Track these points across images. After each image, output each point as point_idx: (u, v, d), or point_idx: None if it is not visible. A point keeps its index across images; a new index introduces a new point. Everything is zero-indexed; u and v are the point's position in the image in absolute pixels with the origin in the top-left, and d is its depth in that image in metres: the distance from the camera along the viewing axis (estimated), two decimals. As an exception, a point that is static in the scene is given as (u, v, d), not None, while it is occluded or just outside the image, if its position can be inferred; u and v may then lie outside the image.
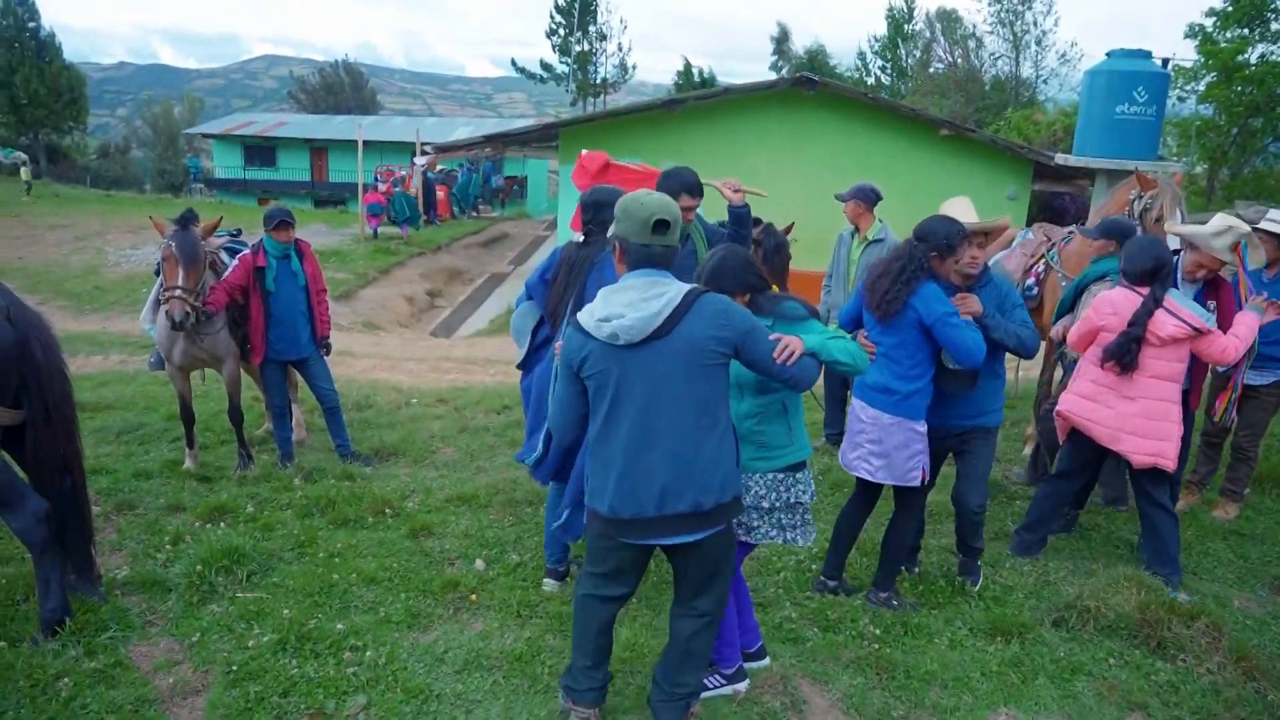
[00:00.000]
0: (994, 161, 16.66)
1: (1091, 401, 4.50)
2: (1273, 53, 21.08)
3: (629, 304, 2.89)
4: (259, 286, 5.89)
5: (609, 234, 3.10)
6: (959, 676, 3.66)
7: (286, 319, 5.97)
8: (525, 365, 4.46)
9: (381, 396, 8.26)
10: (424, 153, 22.35)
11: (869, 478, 4.14)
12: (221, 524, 5.06)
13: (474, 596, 4.26)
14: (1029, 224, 15.83)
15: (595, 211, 4.16)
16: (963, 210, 4.18)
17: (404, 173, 24.90)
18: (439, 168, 26.14)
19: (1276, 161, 22.57)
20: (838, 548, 4.43)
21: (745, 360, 3.01)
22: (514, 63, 52.22)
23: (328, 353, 6.34)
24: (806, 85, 16.14)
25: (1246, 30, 21.21)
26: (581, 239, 4.26)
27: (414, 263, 18.98)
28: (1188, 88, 21.54)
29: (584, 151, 5.28)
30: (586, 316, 2.94)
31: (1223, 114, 21.24)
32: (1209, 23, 21.59)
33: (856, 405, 4.14)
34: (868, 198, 6.39)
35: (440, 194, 25.65)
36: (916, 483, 4.08)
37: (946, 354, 3.98)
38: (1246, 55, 20.95)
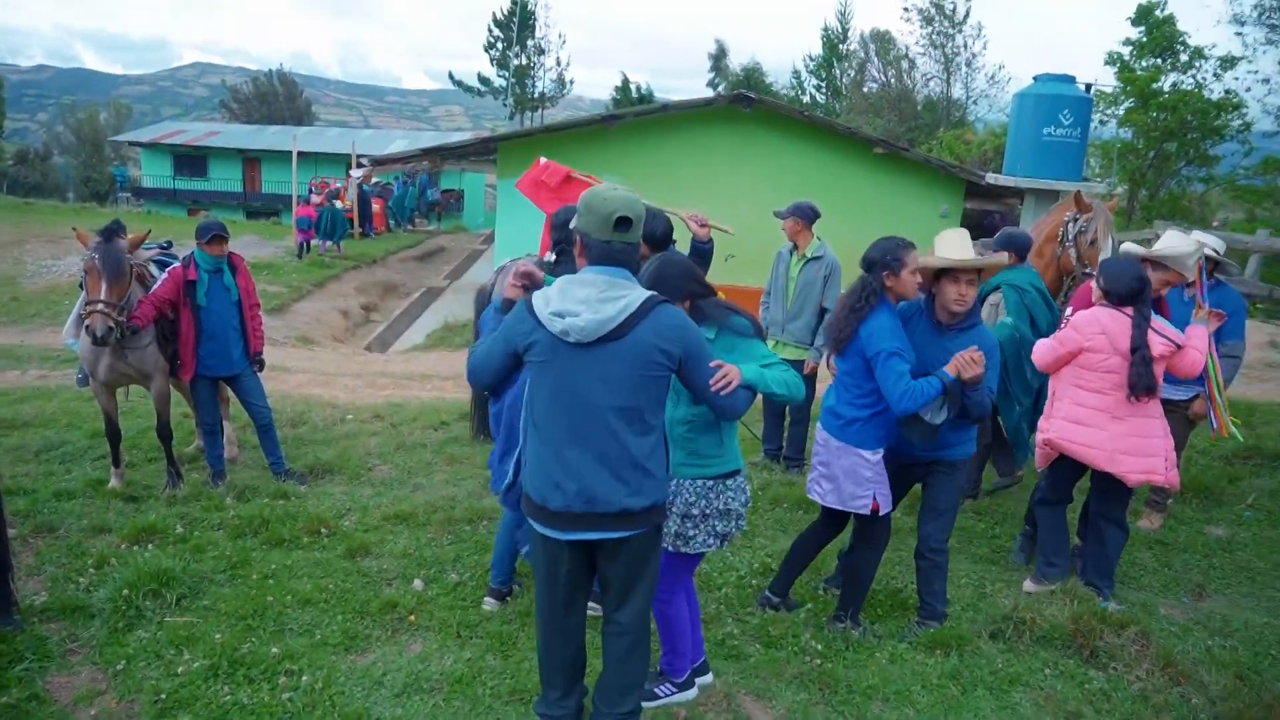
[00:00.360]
0: (927, 180, 17.03)
1: (1082, 426, 4.41)
2: (1183, 82, 22.06)
3: (584, 301, 2.85)
4: (190, 301, 5.73)
5: (570, 226, 3.06)
6: (900, 690, 3.69)
7: (219, 334, 5.82)
8: (495, 391, 4.33)
9: (316, 413, 8.10)
10: (360, 165, 22.08)
11: (819, 500, 4.11)
12: (149, 545, 4.88)
13: (413, 617, 4.18)
14: (960, 242, 16.27)
15: (567, 231, 4.12)
16: (955, 245, 3.99)
17: (339, 185, 24.51)
18: (375, 180, 25.82)
19: (1189, 184, 23.54)
20: (790, 566, 4.41)
21: (682, 378, 3.01)
22: (451, 76, 52.04)
23: (261, 368, 6.20)
24: (745, 103, 16.32)
25: (1159, 60, 22.17)
26: (553, 259, 4.24)
27: (349, 276, 18.69)
28: (1108, 112, 22.38)
29: (542, 158, 5.24)
30: (541, 304, 2.90)
31: (1140, 138, 22.10)
32: (1126, 51, 22.51)
33: (818, 427, 4.14)
34: (806, 215, 6.44)
35: (376, 207, 25.32)
36: (864, 511, 3.97)
37: None
38: (1160, 83, 21.90)
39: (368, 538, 5.07)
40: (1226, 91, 21.82)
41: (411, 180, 29.36)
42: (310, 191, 24.05)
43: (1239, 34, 23.20)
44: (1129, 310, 4.29)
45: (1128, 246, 5.24)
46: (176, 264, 5.88)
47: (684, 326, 2.96)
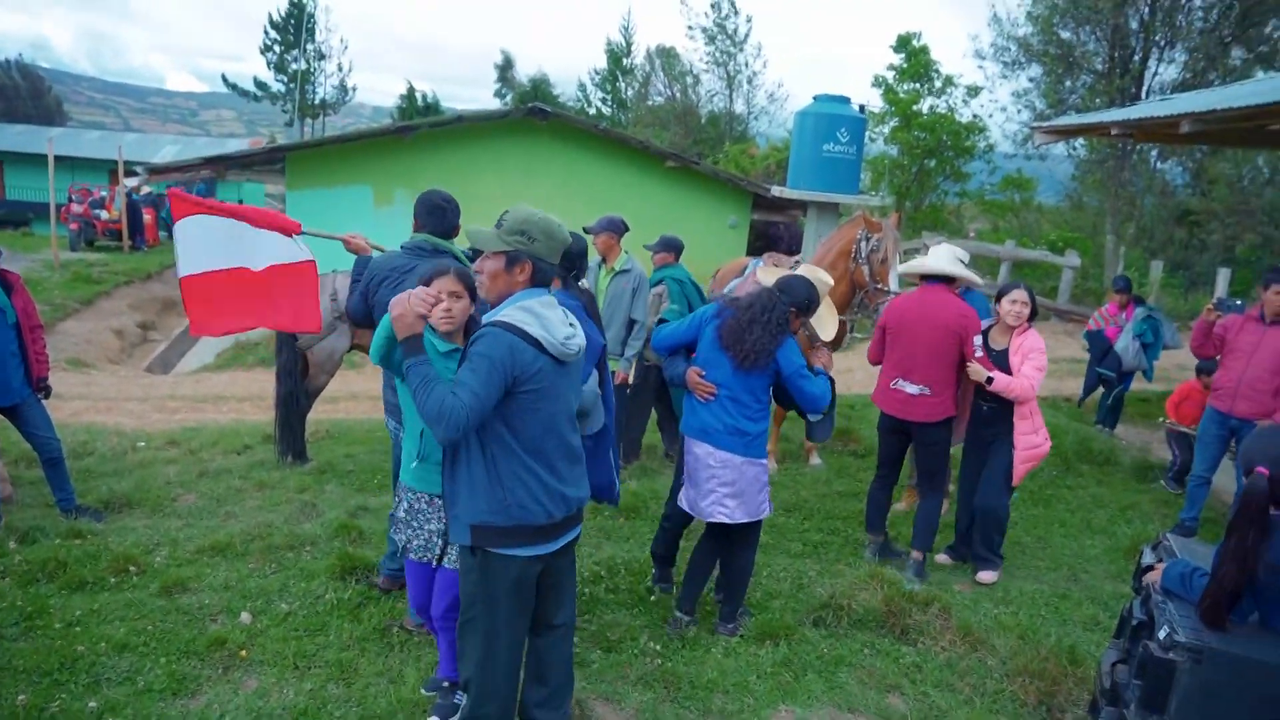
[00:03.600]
0: (716, 192, 17.83)
1: None
2: (938, 105, 24.34)
3: (564, 321, 3.00)
4: (-43, 325, 5.18)
5: (516, 249, 2.97)
6: (738, 682, 3.94)
7: (-6, 361, 5.29)
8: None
9: (102, 441, 7.49)
10: (133, 173, 20.42)
11: (728, 520, 4.19)
12: (-83, 602, 4.37)
13: (244, 652, 3.99)
14: (749, 252, 17.17)
15: (574, 261, 4.10)
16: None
17: (103, 193, 22.57)
18: (145, 189, 23.96)
19: (946, 196, 25.96)
20: (692, 583, 4.45)
21: None
22: (225, 79, 49.09)
23: (46, 396, 5.68)
24: (540, 115, 16.48)
25: (918, 85, 24.33)
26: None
27: (121, 293, 17.27)
28: (876, 130, 24.25)
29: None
30: (541, 331, 2.88)
31: (905, 155, 24.13)
32: (890, 75, 24.54)
33: (701, 450, 4.20)
34: (618, 230, 6.60)
35: (148, 217, 23.48)
36: (769, 512, 4.32)
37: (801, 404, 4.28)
38: (920, 106, 24.04)
39: (183, 572, 4.76)
40: (974, 116, 24.24)
41: (187, 188, 27.42)
42: (70, 200, 21.99)
43: (980, 67, 26.01)
44: None
45: (905, 267, 5.79)
46: (-62, 284, 5.30)
47: None
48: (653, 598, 4.74)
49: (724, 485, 4.17)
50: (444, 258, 4.14)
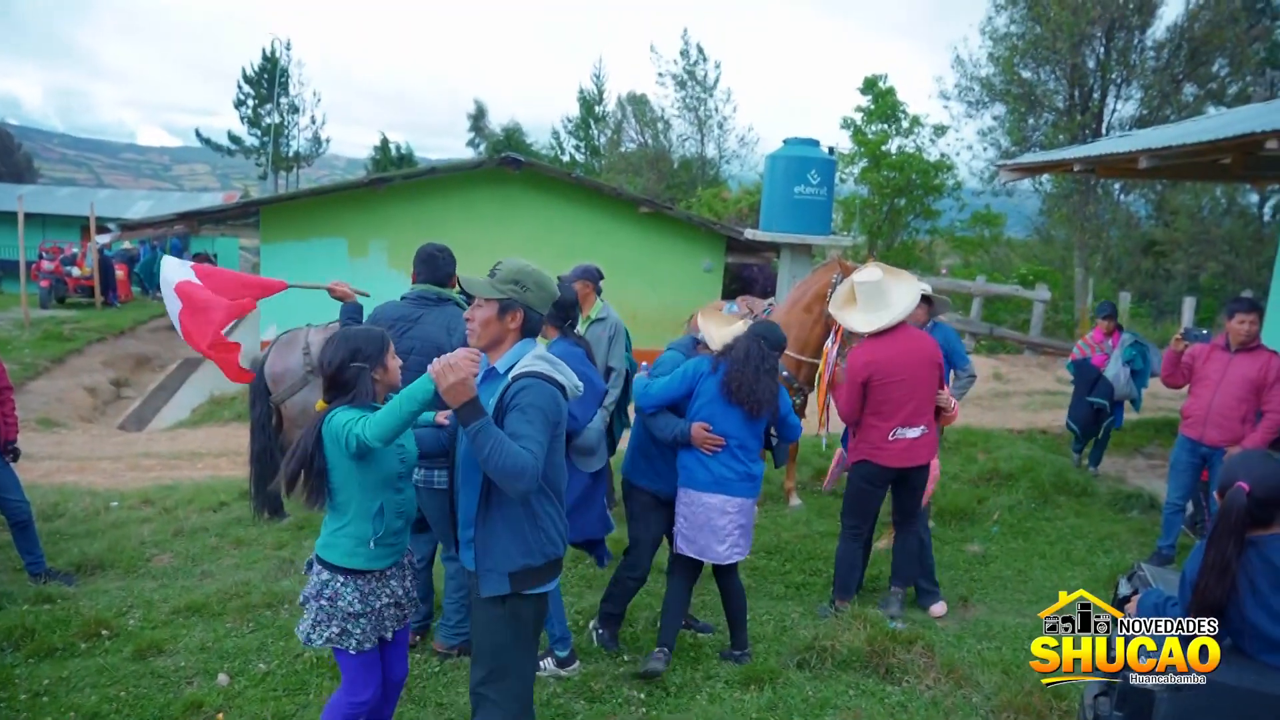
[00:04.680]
0: (690, 236, 17.98)
1: None
2: (906, 145, 24.82)
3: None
4: (-75, 389, 5.13)
5: (510, 297, 3.02)
6: (724, 728, 3.91)
7: (-39, 425, 5.23)
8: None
9: (73, 502, 7.36)
10: (105, 230, 20.32)
11: (739, 559, 4.47)
12: (-125, 677, 4.25)
13: (221, 715, 3.92)
14: (725, 295, 17.30)
15: (569, 310, 4.37)
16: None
17: (75, 250, 22.44)
18: (127, 244, 23.85)
19: (918, 234, 26.35)
20: (677, 620, 4.54)
21: None
22: (198, 133, 49.04)
23: (15, 459, 5.60)
24: (512, 165, 16.61)
25: (886, 125, 24.81)
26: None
27: (93, 349, 17.06)
28: (846, 171, 24.65)
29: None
30: (564, 379, 3.02)
31: (875, 194, 24.51)
32: (859, 117, 25.02)
33: (716, 500, 4.33)
34: (593, 277, 6.63)
35: (120, 273, 23.33)
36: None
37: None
38: (888, 146, 24.49)
39: (157, 635, 4.67)
40: (942, 155, 24.71)
41: (160, 244, 27.31)
42: (41, 257, 21.85)
43: (945, 107, 26.54)
44: None
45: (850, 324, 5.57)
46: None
47: None
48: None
49: (739, 527, 4.41)
50: (447, 305, 4.27)
